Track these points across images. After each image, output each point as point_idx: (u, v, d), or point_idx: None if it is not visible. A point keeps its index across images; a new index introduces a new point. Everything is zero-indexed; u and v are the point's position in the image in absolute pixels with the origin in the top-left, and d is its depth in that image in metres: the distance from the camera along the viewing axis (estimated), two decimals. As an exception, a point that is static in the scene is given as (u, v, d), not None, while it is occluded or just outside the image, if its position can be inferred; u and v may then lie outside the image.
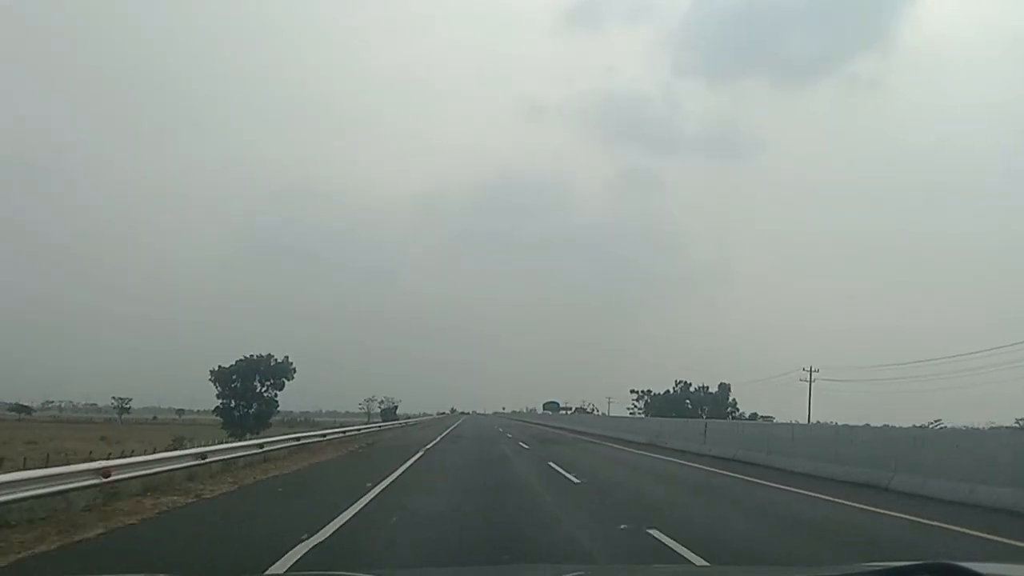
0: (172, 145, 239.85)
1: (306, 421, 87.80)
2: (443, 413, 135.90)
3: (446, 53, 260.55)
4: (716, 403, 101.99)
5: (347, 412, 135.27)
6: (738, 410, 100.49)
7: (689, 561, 6.70)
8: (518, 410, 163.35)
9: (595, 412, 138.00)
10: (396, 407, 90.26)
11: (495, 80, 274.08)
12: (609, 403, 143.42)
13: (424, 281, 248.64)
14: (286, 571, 6.03)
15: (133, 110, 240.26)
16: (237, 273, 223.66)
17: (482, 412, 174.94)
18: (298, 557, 6.62)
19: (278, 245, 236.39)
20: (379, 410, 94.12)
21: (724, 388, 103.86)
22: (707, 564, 6.63)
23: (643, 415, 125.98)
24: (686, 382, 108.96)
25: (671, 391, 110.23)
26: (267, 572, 5.99)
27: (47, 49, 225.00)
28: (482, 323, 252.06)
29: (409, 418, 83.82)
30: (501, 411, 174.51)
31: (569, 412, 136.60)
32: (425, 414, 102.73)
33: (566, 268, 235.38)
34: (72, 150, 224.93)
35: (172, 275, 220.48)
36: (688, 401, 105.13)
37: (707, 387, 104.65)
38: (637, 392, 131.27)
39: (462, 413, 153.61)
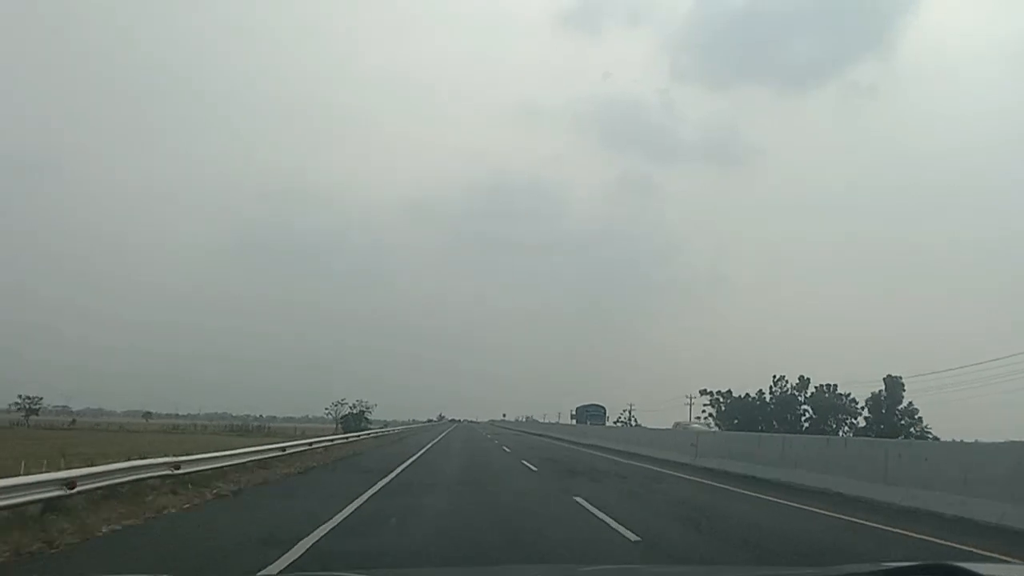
0: (163, 145, 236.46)
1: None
2: (431, 420, 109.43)
3: (442, 56, 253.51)
4: (876, 410, 65.48)
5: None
6: (918, 420, 63.28)
7: None
8: (520, 419, 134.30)
9: (631, 423, 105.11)
10: (363, 412, 61.67)
11: (491, 84, 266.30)
12: (632, 410, 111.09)
13: (417, 285, 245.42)
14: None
15: (126, 110, 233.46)
16: (224, 274, 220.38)
17: (475, 420, 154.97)
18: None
19: (267, 247, 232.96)
20: (343, 416, 66.07)
21: (894, 385, 64.97)
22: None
23: (716, 427, 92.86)
24: (804, 378, 73.29)
25: (767, 392, 76.17)
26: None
27: (42, 48, 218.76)
28: (478, 328, 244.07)
29: (386, 426, 59.87)
30: (502, 419, 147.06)
31: (608, 424, 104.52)
32: (415, 421, 74.64)
33: (562, 273, 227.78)
34: (64, 149, 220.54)
35: (149, 274, 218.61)
36: (805, 407, 70.38)
37: (832, 386, 69.78)
38: (710, 394, 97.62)
39: (452, 420, 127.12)
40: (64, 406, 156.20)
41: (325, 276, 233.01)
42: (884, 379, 64.34)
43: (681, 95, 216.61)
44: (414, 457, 22.30)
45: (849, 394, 68.92)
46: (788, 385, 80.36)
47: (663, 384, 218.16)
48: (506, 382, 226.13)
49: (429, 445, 31.18)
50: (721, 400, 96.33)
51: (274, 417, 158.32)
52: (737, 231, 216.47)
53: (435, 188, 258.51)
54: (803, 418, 70.15)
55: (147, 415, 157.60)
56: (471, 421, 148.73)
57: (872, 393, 64.95)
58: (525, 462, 21.14)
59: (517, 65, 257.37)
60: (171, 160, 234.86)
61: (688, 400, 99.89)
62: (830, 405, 69.90)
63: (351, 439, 31.05)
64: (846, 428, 66.37)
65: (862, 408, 66.75)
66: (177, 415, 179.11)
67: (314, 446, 21.76)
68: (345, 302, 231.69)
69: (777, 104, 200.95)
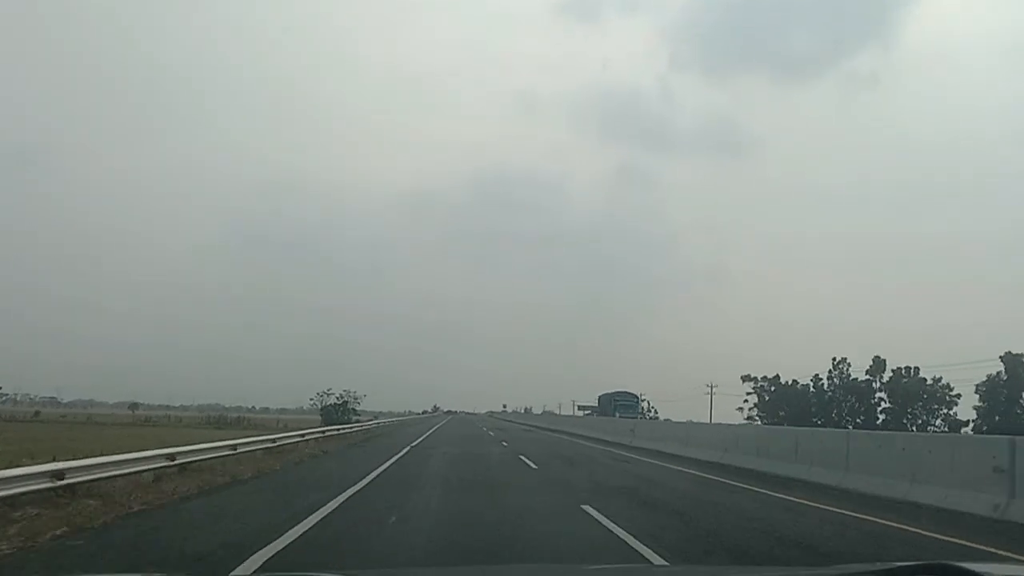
0: (159, 140, 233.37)
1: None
2: (426, 412, 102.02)
3: (440, 48, 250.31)
4: (993, 398, 51.62)
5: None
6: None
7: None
8: (519, 410, 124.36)
9: (648, 415, 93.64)
10: (347, 403, 52.54)
11: (490, 75, 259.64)
12: (648, 402, 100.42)
13: (417, 277, 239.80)
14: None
15: (122, 105, 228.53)
16: (222, 267, 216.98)
17: (472, 412, 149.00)
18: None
19: (266, 240, 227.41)
20: (324, 407, 57.58)
21: (1015, 365, 49.02)
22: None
23: (758, 420, 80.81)
24: (879, 359, 58.97)
25: (825, 378, 63.67)
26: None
27: (35, 42, 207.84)
28: (477, 322, 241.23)
29: (376, 417, 54.02)
30: (502, 411, 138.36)
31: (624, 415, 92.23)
32: (410, 412, 66.70)
33: (562, 265, 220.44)
34: (62, 146, 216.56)
35: (146, 267, 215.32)
36: (882, 393, 57.27)
37: (914, 369, 56.77)
38: (753, 380, 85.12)
39: (448, 412, 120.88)
40: (52, 397, 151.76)
41: (323, 269, 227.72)
42: (1002, 357, 49.35)
43: (680, 84, 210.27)
44: (355, 488, 10.31)
45: (939, 378, 55.13)
46: (849, 368, 67.90)
47: (668, 375, 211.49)
48: (506, 376, 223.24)
49: (400, 454, 19.15)
50: (765, 388, 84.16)
51: (267, 408, 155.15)
52: (742, 219, 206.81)
53: (435, 180, 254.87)
54: (879, 409, 57.37)
55: (133, 407, 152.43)
56: (468, 413, 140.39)
57: (988, 376, 50.46)
58: (594, 511, 8.97)
59: (516, 55, 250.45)
60: (166, 154, 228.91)
61: (709, 389, 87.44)
62: (913, 392, 56.48)
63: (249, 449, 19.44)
64: (938, 422, 53.40)
65: (958, 396, 53.25)
66: (169, 406, 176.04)
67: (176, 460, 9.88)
68: (344, 295, 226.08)
69: (777, 90, 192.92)
